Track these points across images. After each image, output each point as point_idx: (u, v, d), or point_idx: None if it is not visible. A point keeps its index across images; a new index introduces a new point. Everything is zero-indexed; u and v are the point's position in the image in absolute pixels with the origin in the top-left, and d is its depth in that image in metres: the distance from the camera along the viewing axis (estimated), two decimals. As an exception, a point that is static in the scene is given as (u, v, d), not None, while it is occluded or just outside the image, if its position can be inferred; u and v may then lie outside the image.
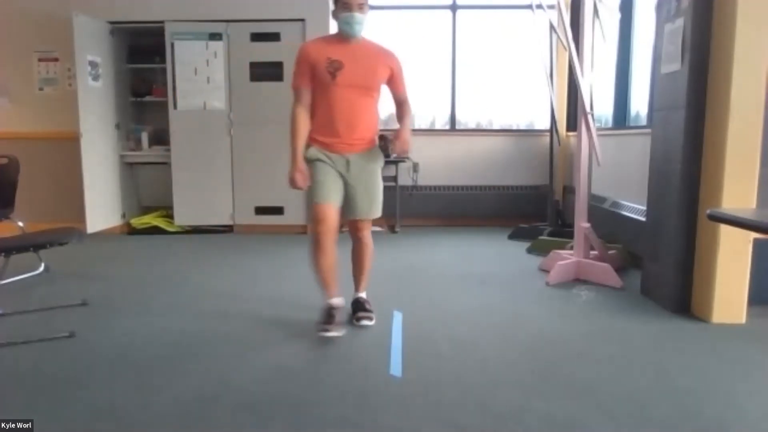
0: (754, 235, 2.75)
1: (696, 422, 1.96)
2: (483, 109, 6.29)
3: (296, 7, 5.27)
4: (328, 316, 2.71)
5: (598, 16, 3.88)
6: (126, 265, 4.33)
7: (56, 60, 5.39)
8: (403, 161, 5.72)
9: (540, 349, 2.61)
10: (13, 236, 3.30)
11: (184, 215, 5.51)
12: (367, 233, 2.89)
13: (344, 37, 2.69)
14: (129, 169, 5.72)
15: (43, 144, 5.40)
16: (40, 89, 5.46)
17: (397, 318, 3.01)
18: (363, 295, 3.02)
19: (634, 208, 4.07)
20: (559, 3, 4.17)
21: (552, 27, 5.23)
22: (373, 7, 6.09)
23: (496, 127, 6.31)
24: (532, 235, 4.99)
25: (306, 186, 2.70)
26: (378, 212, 2.84)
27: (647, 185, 3.41)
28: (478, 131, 6.28)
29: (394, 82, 2.80)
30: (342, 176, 2.76)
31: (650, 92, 4.12)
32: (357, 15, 2.60)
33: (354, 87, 2.68)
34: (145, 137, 5.64)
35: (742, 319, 2.90)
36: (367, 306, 2.96)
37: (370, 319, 2.89)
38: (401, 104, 2.87)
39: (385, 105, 2.91)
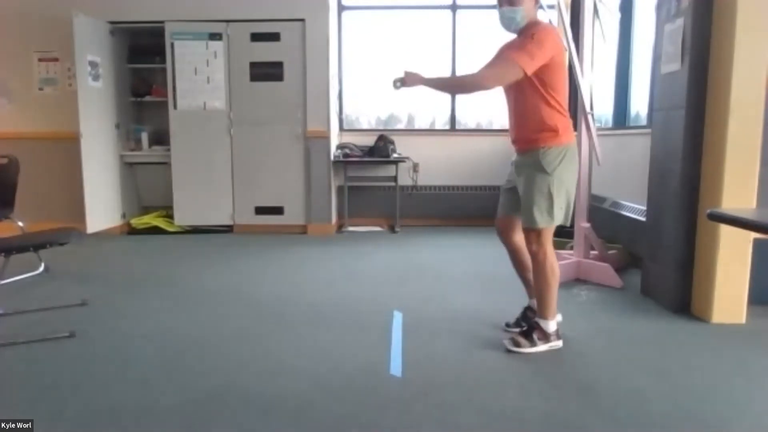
0: (754, 235, 2.74)
1: (696, 422, 1.96)
2: (483, 109, 6.29)
3: (296, 7, 5.27)
4: (519, 316, 2.81)
5: (598, 16, 3.88)
6: (126, 265, 4.33)
7: (56, 60, 5.39)
8: (403, 161, 5.72)
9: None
10: (13, 236, 3.31)
11: (184, 215, 5.51)
12: (534, 247, 2.49)
13: None
14: (129, 169, 5.72)
15: (43, 144, 5.39)
16: (40, 89, 5.45)
17: (397, 318, 3.01)
18: (537, 319, 2.56)
19: (634, 208, 4.07)
20: (559, 3, 4.17)
21: (552, 27, 5.23)
22: (374, 8, 6.17)
23: (496, 127, 6.29)
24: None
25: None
26: (533, 222, 2.44)
27: (647, 185, 3.41)
28: (478, 131, 6.28)
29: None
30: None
31: (650, 92, 4.12)
32: (504, 10, 2.41)
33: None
34: (145, 137, 5.64)
35: (742, 319, 2.90)
36: (530, 332, 2.53)
37: (516, 345, 2.50)
38: (496, 63, 2.46)
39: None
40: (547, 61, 2.33)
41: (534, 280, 2.58)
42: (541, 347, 2.51)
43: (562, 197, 2.44)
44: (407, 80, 2.41)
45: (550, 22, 5.08)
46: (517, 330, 2.66)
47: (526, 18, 2.39)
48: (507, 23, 2.43)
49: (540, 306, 2.55)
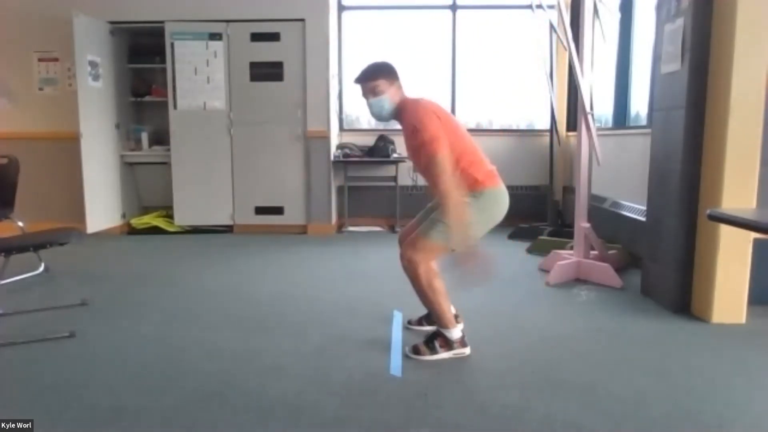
0: (754, 235, 2.75)
1: (696, 422, 1.96)
2: (483, 109, 6.29)
3: (296, 7, 5.27)
4: (423, 315, 2.88)
5: (598, 16, 3.88)
6: (126, 265, 4.33)
7: (56, 60, 5.39)
8: (403, 161, 5.72)
9: (540, 349, 2.61)
10: (13, 236, 3.31)
11: (184, 215, 5.51)
12: (419, 257, 2.40)
13: None
14: (129, 169, 5.72)
15: (43, 144, 5.39)
16: (40, 89, 5.45)
17: (397, 318, 3.01)
18: (440, 328, 2.53)
19: (634, 208, 4.07)
20: (559, 3, 4.17)
21: (552, 27, 5.23)
22: (374, 8, 6.17)
23: (496, 127, 6.30)
24: (532, 235, 4.99)
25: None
26: (427, 235, 2.40)
27: (647, 185, 3.41)
28: (478, 131, 6.27)
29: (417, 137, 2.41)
30: None
31: (650, 92, 4.12)
32: (372, 101, 2.51)
33: (413, 162, 2.66)
34: (145, 137, 5.64)
35: (742, 319, 2.90)
36: (431, 340, 2.50)
37: (416, 352, 2.49)
38: (429, 165, 2.37)
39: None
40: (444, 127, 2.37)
41: (417, 295, 2.50)
42: (443, 355, 2.47)
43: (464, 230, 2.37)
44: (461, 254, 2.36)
45: (551, 24, 5.11)
46: (421, 328, 2.80)
47: (393, 102, 2.50)
48: (378, 111, 2.53)
49: (434, 318, 2.55)
